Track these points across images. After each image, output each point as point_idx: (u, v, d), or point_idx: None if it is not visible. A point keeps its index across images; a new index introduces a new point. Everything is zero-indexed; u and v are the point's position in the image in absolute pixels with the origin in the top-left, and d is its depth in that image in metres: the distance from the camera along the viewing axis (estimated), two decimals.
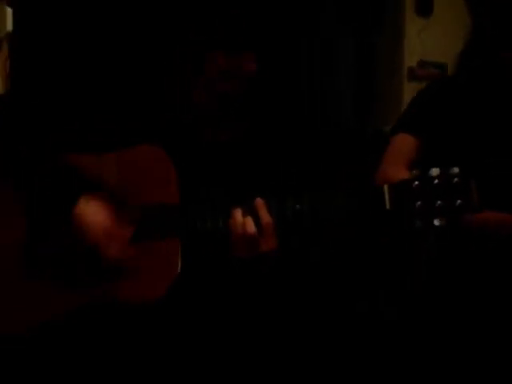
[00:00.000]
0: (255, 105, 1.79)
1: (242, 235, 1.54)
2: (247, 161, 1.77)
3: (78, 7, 2.81)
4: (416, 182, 1.47)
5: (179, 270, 1.56)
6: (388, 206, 1.49)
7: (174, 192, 1.61)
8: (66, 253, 1.61)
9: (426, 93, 2.05)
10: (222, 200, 1.59)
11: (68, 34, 2.81)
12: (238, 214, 1.55)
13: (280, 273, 1.74)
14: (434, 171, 1.46)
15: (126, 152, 1.65)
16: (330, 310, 2.48)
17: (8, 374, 1.65)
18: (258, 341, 1.80)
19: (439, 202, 1.45)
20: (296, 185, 1.76)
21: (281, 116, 1.91)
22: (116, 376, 1.68)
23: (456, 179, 1.45)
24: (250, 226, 1.53)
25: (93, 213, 1.57)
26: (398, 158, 1.94)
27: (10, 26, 2.37)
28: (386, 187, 1.49)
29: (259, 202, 1.54)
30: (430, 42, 3.44)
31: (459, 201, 1.44)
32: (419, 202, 1.46)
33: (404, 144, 1.96)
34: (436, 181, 1.46)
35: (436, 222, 1.46)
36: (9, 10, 2.36)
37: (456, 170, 1.45)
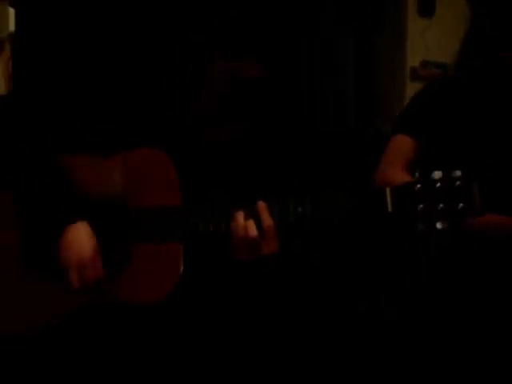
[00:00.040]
0: (256, 105, 1.79)
1: (243, 238, 1.54)
2: (247, 161, 1.77)
3: (79, 8, 2.81)
4: (418, 185, 1.47)
5: (180, 274, 1.56)
6: (390, 209, 1.49)
7: (175, 194, 1.61)
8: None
9: (425, 93, 2.05)
10: (224, 202, 1.59)
11: (69, 34, 2.81)
12: (240, 216, 1.55)
13: (281, 275, 1.74)
14: (437, 174, 1.46)
15: (126, 155, 1.65)
16: (329, 311, 2.48)
17: (8, 374, 1.65)
18: (258, 342, 1.80)
19: (441, 206, 1.45)
20: (297, 185, 1.76)
21: (281, 116, 1.90)
22: (116, 376, 1.68)
23: (458, 182, 1.45)
24: (252, 229, 1.53)
25: (77, 243, 1.59)
26: (397, 160, 1.94)
27: (12, 27, 2.36)
28: (387, 190, 1.49)
29: (261, 205, 1.54)
30: (432, 42, 3.43)
31: (461, 204, 1.44)
32: (421, 205, 1.46)
33: (402, 145, 1.96)
34: (438, 184, 1.46)
35: (438, 226, 1.46)
36: (11, 11, 2.36)
37: (458, 173, 1.45)
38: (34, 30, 2.70)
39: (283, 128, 1.91)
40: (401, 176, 1.84)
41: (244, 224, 1.54)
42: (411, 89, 3.21)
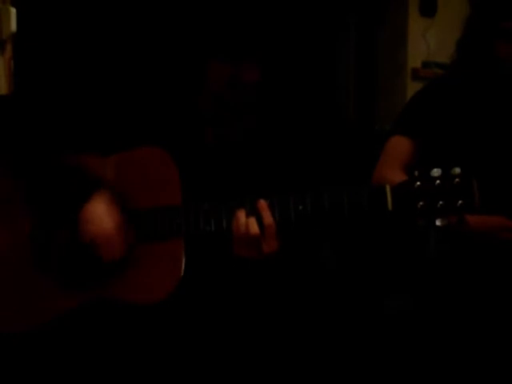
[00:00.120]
0: (257, 105, 1.79)
1: (245, 235, 1.54)
2: (248, 161, 1.77)
3: (81, 8, 2.82)
4: (418, 183, 1.47)
5: (182, 274, 1.57)
6: (390, 207, 1.49)
7: (176, 193, 1.61)
8: (67, 250, 1.62)
9: (423, 94, 2.05)
10: (225, 200, 1.60)
11: (71, 34, 2.82)
12: (242, 214, 1.55)
13: (281, 274, 1.74)
14: (436, 171, 1.46)
15: (127, 154, 1.65)
16: (329, 311, 2.48)
17: (8, 373, 1.66)
18: (260, 341, 1.80)
19: (441, 203, 1.45)
20: (297, 184, 1.76)
21: (282, 116, 1.91)
22: (116, 376, 1.68)
23: (457, 179, 1.45)
24: (254, 227, 1.54)
25: (101, 212, 1.59)
26: (394, 161, 1.95)
27: (14, 27, 2.37)
28: (388, 188, 1.49)
29: (262, 203, 1.55)
30: (434, 42, 3.44)
31: (461, 201, 1.45)
32: (421, 203, 1.46)
33: (400, 147, 1.97)
34: (438, 181, 1.46)
35: (438, 223, 1.46)
36: (13, 11, 2.36)
37: (458, 170, 1.45)
38: (35, 30, 2.71)
39: (284, 128, 1.91)
40: (398, 177, 1.84)
41: (245, 222, 1.54)
42: (412, 89, 3.22)
